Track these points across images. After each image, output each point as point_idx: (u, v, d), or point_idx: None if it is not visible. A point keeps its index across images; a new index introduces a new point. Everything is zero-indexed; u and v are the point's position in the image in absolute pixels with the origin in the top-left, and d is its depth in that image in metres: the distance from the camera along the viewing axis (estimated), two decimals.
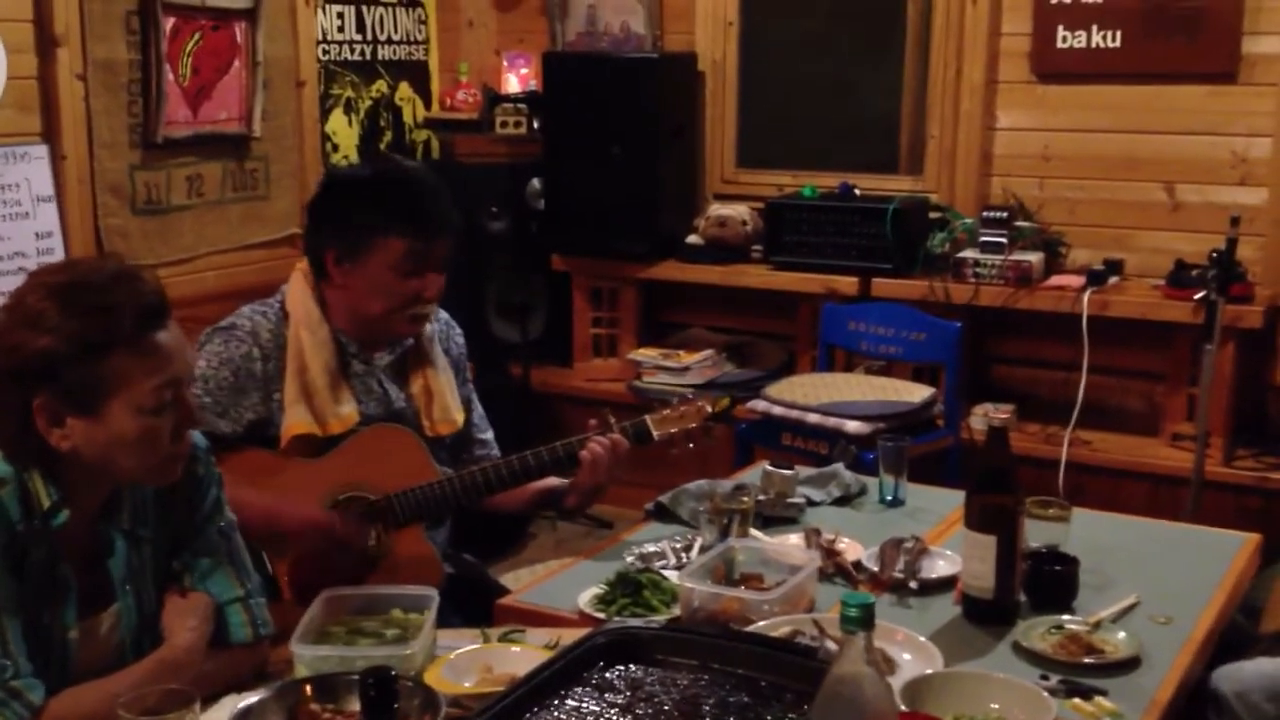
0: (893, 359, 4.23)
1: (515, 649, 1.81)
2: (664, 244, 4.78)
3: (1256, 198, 4.07)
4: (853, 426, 3.81)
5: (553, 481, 2.50)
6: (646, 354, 4.75)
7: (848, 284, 4.39)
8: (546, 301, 4.94)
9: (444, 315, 2.59)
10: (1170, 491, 3.91)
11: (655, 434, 2.44)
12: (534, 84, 5.12)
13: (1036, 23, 4.28)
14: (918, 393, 3.99)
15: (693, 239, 4.76)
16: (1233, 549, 2.48)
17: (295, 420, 2.30)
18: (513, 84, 5.20)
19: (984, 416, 4.25)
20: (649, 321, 5.00)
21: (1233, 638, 2.41)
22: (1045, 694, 1.73)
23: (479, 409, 2.64)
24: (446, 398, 2.48)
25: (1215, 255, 3.46)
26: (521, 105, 5.00)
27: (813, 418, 3.92)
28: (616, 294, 4.94)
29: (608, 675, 1.61)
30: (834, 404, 3.92)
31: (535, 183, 4.88)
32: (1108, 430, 4.26)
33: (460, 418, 2.50)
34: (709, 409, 2.46)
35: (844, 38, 4.82)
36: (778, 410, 4.02)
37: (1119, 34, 4.15)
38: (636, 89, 4.67)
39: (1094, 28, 4.18)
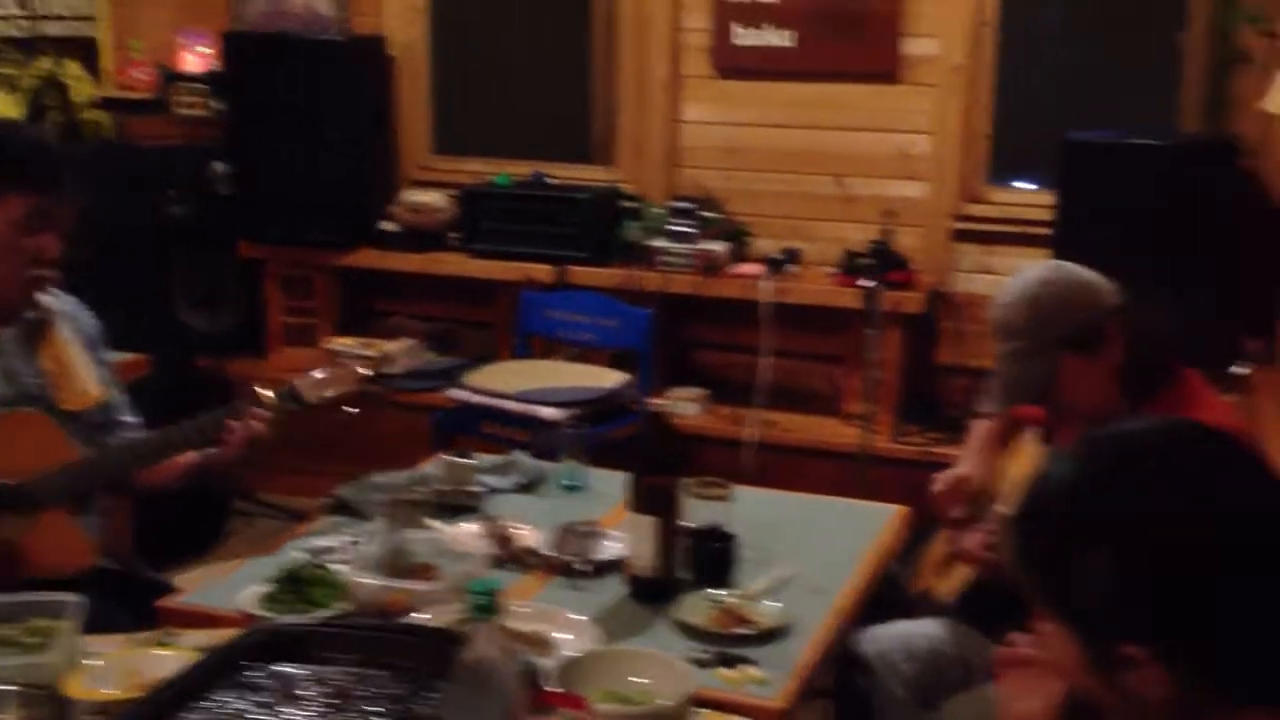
0: (590, 346, 4.32)
1: (166, 653, 1.77)
2: (359, 231, 4.73)
3: (918, 191, 4.36)
4: (548, 413, 3.87)
5: (202, 456, 2.44)
6: (345, 343, 4.67)
7: (545, 272, 4.45)
8: (238, 290, 4.80)
9: (72, 299, 2.50)
10: (848, 468, 4.15)
11: (308, 398, 2.41)
12: (216, 65, 4.95)
13: (715, 19, 4.44)
14: (612, 378, 4.08)
15: (389, 225, 4.72)
16: (883, 520, 2.66)
17: None
18: (191, 64, 5.01)
19: (673, 401, 4.41)
20: (349, 310, 4.93)
21: (886, 603, 2.58)
22: (688, 665, 1.82)
23: (120, 391, 2.55)
24: (80, 371, 2.40)
25: (874, 245, 3.68)
26: (201, 86, 4.83)
27: (510, 405, 3.95)
28: (311, 282, 4.84)
29: (256, 674, 1.60)
30: (532, 391, 3.96)
31: (218, 166, 4.72)
32: (792, 411, 4.47)
33: (97, 392, 2.42)
34: (364, 371, 2.44)
35: (537, 26, 4.88)
36: (476, 398, 4.04)
37: (792, 33, 4.36)
38: (324, 72, 4.60)
39: (768, 26, 4.37)
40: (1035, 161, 4.19)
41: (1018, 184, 4.35)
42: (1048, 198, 3.95)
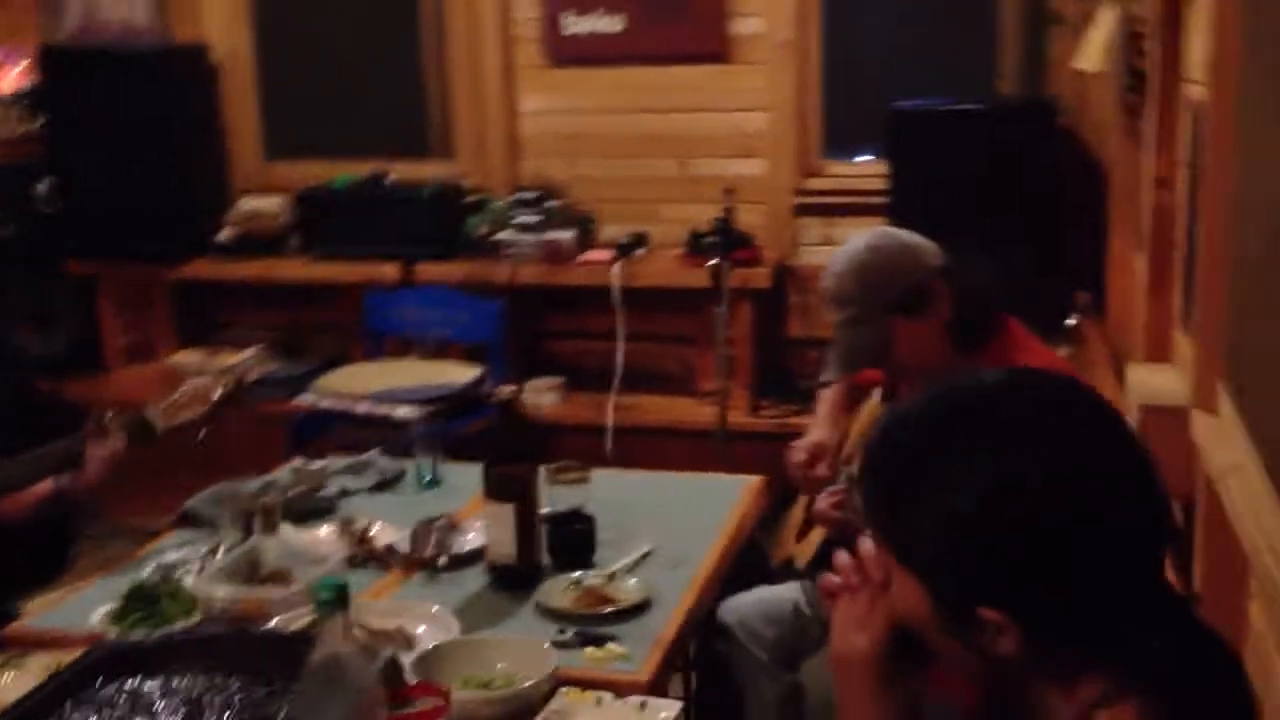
0: (442, 342, 4.28)
1: (9, 674, 1.71)
2: (193, 243, 4.61)
3: (758, 168, 4.43)
4: (402, 412, 3.82)
5: (59, 483, 2.36)
6: (188, 357, 4.57)
7: (391, 271, 4.40)
8: (72, 309, 4.64)
9: None
10: (707, 445, 4.19)
11: (160, 426, 2.35)
12: (32, 81, 4.77)
13: (544, 8, 4.44)
14: (466, 373, 4.05)
15: (225, 235, 4.61)
16: (740, 491, 2.69)
17: None
18: (6, 82, 4.82)
19: (529, 391, 4.41)
20: (189, 324, 4.80)
21: (750, 572, 2.62)
22: (548, 646, 1.83)
23: None
24: None
25: (717, 223, 3.73)
26: (18, 103, 4.66)
27: (363, 407, 3.90)
28: (148, 297, 4.71)
29: (107, 690, 1.56)
30: (385, 391, 3.91)
31: (41, 184, 4.56)
32: (649, 393, 4.51)
33: None
34: (216, 391, 2.39)
35: (365, 24, 4.82)
36: (328, 403, 3.97)
37: (621, 18, 4.38)
38: (145, 83, 4.47)
39: (598, 12, 4.39)
40: (868, 133, 4.29)
41: (858, 158, 4.44)
42: (881, 167, 4.04)
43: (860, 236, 2.29)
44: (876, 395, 2.48)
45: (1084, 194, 3.80)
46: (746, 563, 2.54)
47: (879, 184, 4.04)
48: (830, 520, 2.34)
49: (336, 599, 1.25)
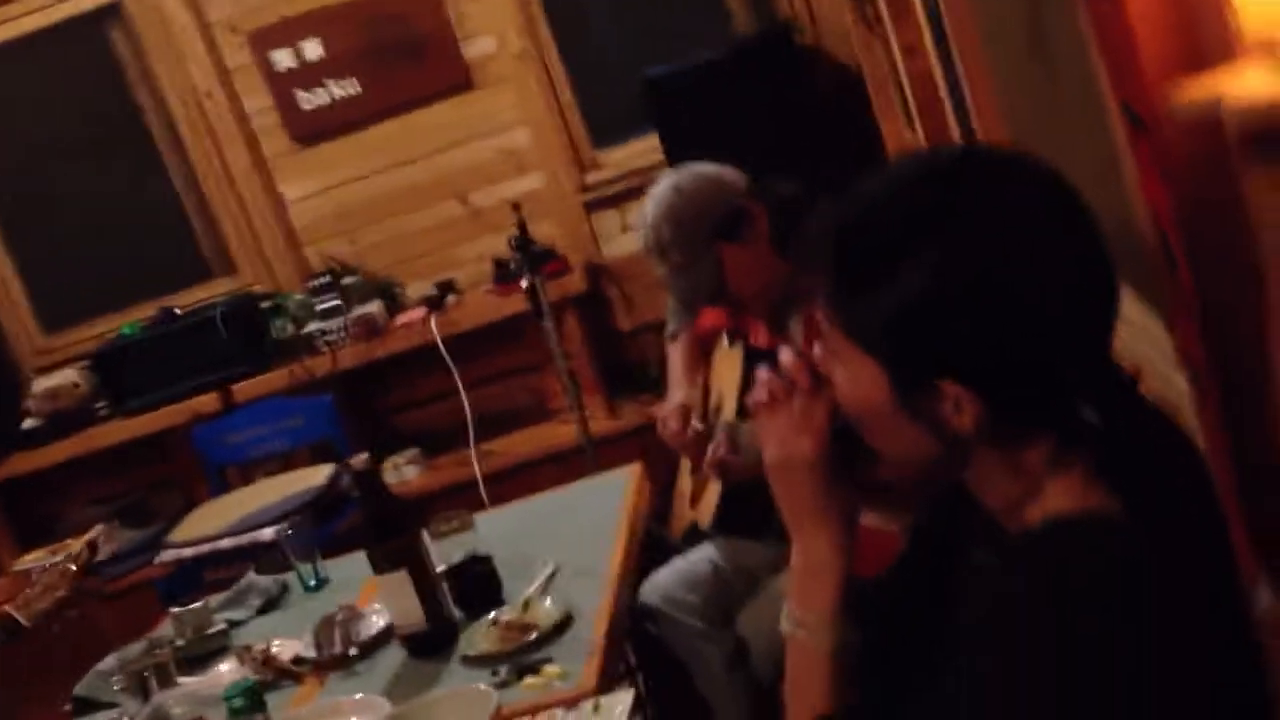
0: (286, 453, 4.14)
1: None
2: (2, 440, 4.37)
3: (537, 181, 4.40)
4: (267, 534, 3.68)
5: None
6: (35, 558, 4.31)
7: (209, 402, 4.24)
8: None
9: None
10: (578, 461, 4.14)
11: (26, 619, 2.20)
12: None
13: (275, 95, 4.34)
14: (318, 475, 3.93)
15: (30, 423, 4.38)
16: (622, 483, 2.65)
17: None
18: None
19: (391, 470, 4.30)
20: (24, 524, 4.54)
21: (656, 552, 2.59)
22: (484, 687, 1.77)
23: None
24: None
25: (515, 243, 3.68)
26: None
27: (227, 543, 3.74)
28: None
29: None
30: (244, 519, 3.77)
31: None
32: (508, 433, 4.43)
33: None
34: (72, 566, 2.26)
35: (103, 171, 4.63)
36: (189, 552, 3.80)
37: (354, 80, 4.30)
38: None
39: (329, 82, 4.31)
40: (633, 112, 4.28)
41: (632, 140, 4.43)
42: (653, 140, 4.05)
43: (660, 184, 2.28)
44: (725, 340, 2.47)
45: (848, 102, 3.87)
46: (652, 548, 2.51)
47: (657, 157, 4.04)
48: (726, 466, 2.30)
49: (250, 702, 1.17)
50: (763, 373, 1.16)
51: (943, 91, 2.33)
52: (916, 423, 1.03)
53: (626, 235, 4.35)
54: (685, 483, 2.55)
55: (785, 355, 1.15)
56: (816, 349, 1.13)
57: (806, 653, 1.12)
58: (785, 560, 2.31)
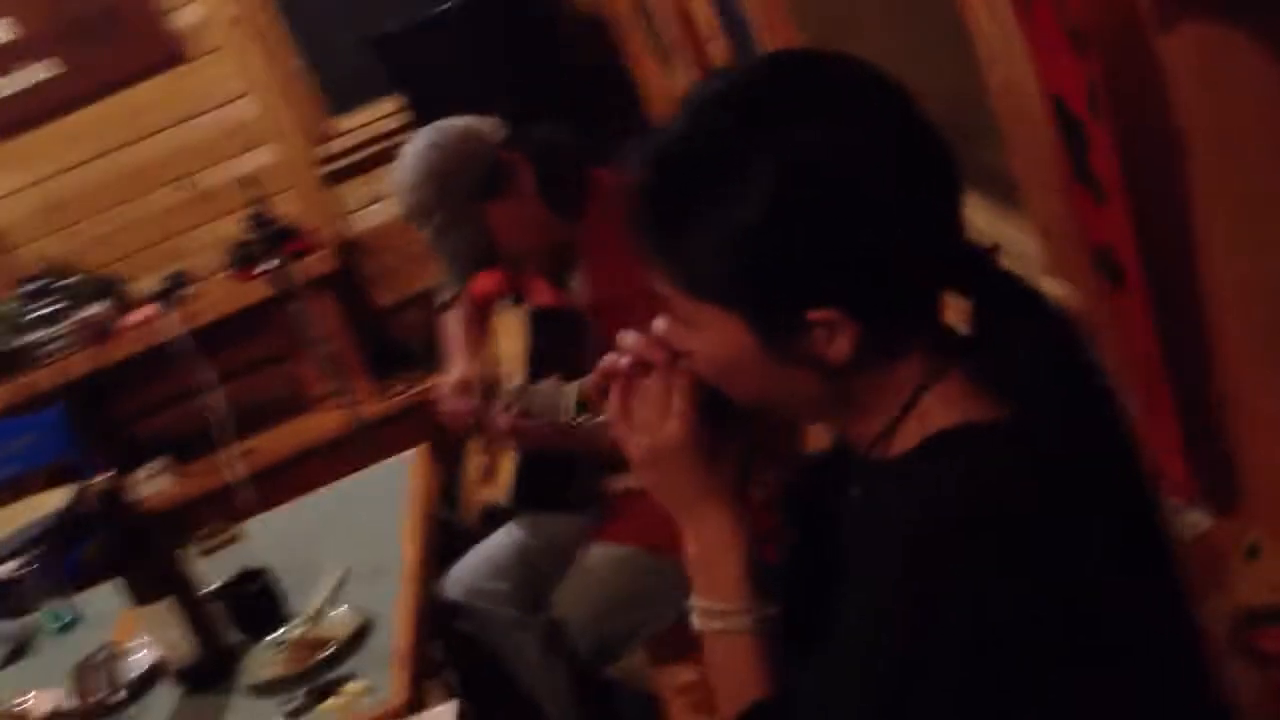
0: (16, 478, 3.75)
1: None
2: None
3: (269, 155, 4.09)
4: (5, 570, 3.30)
5: None
6: None
7: None
8: None
9: None
10: (351, 452, 3.88)
11: None
12: None
13: None
14: (56, 498, 3.57)
15: None
16: (404, 469, 2.46)
17: None
18: None
19: (141, 483, 3.95)
20: None
21: (452, 540, 2.41)
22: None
23: None
24: None
25: (256, 226, 3.40)
26: None
27: None
28: None
29: None
30: None
31: None
32: (269, 427, 4.15)
33: None
34: None
35: None
36: None
37: (53, 61, 3.90)
38: None
39: (25, 64, 3.89)
40: (374, 74, 3.99)
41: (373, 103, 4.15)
42: (397, 101, 3.80)
43: (414, 141, 2.13)
44: (505, 304, 2.30)
45: (597, 42, 3.73)
46: (446, 537, 2.33)
47: (403, 119, 3.80)
48: (522, 433, 2.12)
49: None
50: (610, 357, 1.04)
51: (709, 16, 2.21)
52: (790, 365, 0.92)
53: (380, 205, 4.09)
54: (475, 460, 2.37)
55: (625, 337, 1.03)
56: (657, 324, 1.01)
57: (727, 642, 1.01)
58: (593, 529, 2.17)
